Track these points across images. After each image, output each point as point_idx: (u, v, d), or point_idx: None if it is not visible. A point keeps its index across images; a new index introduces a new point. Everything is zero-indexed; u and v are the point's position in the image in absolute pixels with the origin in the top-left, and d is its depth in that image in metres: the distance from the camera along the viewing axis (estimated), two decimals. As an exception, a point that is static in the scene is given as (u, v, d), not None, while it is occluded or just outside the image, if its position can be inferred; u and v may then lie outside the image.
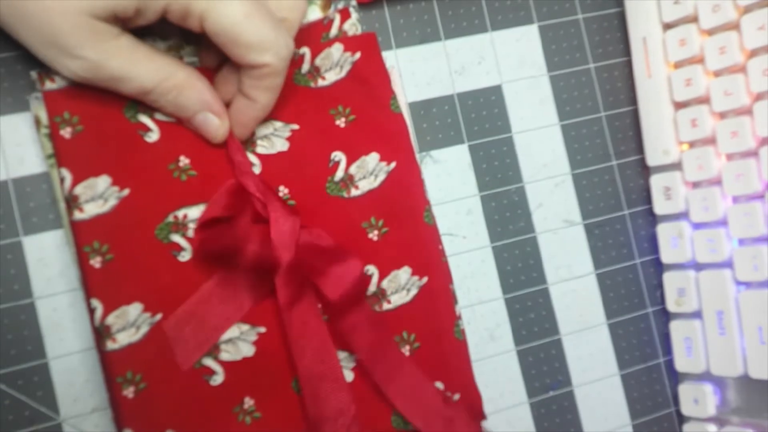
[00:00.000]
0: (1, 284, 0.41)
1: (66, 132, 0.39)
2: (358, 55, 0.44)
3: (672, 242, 0.49)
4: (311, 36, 0.44)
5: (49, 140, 0.40)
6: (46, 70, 0.40)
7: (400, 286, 0.43)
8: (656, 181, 0.50)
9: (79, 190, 0.39)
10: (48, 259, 0.42)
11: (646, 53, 0.50)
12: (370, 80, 0.45)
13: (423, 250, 0.44)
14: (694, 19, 0.47)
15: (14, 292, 0.41)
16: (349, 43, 0.44)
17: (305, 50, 0.44)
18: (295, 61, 0.44)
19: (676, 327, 0.49)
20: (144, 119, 0.40)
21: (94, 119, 0.40)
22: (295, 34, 0.41)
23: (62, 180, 0.39)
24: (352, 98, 0.44)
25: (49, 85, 0.39)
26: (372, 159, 0.44)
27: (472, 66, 0.49)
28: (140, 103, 0.40)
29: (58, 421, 0.41)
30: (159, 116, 0.41)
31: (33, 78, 0.40)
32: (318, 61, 0.44)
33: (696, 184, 0.48)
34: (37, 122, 0.40)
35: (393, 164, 0.44)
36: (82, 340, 0.42)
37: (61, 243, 0.42)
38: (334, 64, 0.44)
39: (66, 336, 0.41)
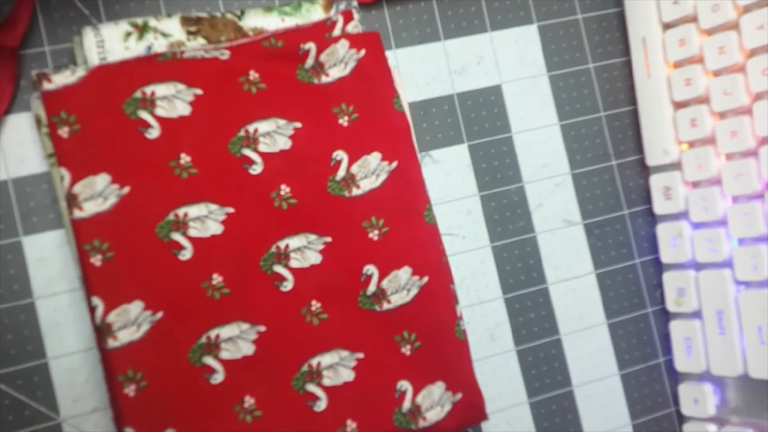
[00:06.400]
0: (1, 284, 0.41)
1: (64, 131, 0.39)
2: (362, 52, 0.44)
3: (672, 242, 0.49)
4: (315, 33, 0.44)
5: (49, 139, 0.40)
6: (45, 71, 0.40)
7: (400, 286, 0.43)
8: (656, 181, 0.50)
9: (77, 188, 0.39)
10: (48, 259, 0.42)
11: (645, 53, 0.50)
12: (374, 78, 0.45)
13: (423, 249, 0.44)
14: (693, 18, 0.48)
15: (14, 292, 0.41)
16: (355, 40, 0.44)
17: (311, 45, 0.44)
18: (300, 57, 0.44)
19: (676, 327, 0.49)
20: (144, 115, 0.41)
21: (93, 117, 0.40)
22: (299, 33, 0.41)
23: (61, 179, 0.39)
24: (355, 96, 0.44)
25: (47, 86, 0.40)
26: (374, 158, 0.44)
27: (472, 66, 0.49)
28: (141, 99, 0.40)
29: (58, 421, 0.41)
30: (160, 112, 0.41)
31: (33, 78, 0.40)
32: (323, 57, 0.44)
33: (696, 184, 0.48)
34: (38, 122, 0.41)
35: (395, 163, 0.44)
36: (82, 340, 0.42)
37: (61, 243, 0.42)
38: (338, 61, 0.44)
39: (66, 336, 0.41)
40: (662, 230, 0.50)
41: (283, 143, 0.43)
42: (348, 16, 0.45)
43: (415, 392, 0.43)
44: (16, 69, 0.42)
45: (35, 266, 0.41)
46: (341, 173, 0.44)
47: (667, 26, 0.49)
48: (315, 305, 0.43)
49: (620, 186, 0.51)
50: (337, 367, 0.42)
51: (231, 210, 0.42)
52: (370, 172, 0.44)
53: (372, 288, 0.43)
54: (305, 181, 0.43)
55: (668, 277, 0.49)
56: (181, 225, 0.41)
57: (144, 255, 0.40)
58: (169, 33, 0.42)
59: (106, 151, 0.40)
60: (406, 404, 0.43)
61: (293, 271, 0.42)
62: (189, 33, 0.43)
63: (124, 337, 0.39)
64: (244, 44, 0.43)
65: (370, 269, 0.43)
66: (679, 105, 0.49)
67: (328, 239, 0.43)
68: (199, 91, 0.41)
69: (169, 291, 0.40)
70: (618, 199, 0.51)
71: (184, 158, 0.41)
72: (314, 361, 0.42)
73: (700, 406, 0.48)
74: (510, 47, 0.50)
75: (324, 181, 0.43)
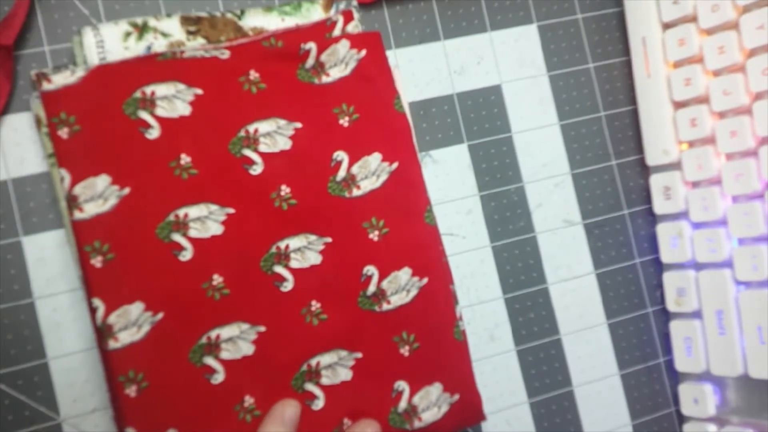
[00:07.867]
0: (1, 284, 0.41)
1: (64, 132, 0.39)
2: (363, 52, 0.44)
3: (672, 242, 0.49)
4: (316, 33, 0.44)
5: (49, 139, 0.40)
6: (44, 71, 0.40)
7: (400, 287, 0.43)
8: (656, 181, 0.50)
9: (78, 190, 0.39)
10: (48, 259, 0.42)
11: (645, 53, 0.50)
12: (374, 79, 0.45)
13: (424, 250, 0.44)
14: (693, 18, 0.48)
15: (14, 292, 0.41)
16: (356, 40, 0.44)
17: (311, 45, 0.44)
18: (300, 56, 0.44)
19: (676, 327, 0.49)
20: (144, 115, 0.40)
21: (92, 118, 0.40)
22: (299, 32, 0.41)
23: (62, 180, 0.39)
24: (356, 96, 0.44)
25: (47, 86, 0.39)
26: (374, 159, 0.44)
27: (472, 66, 0.49)
28: (141, 99, 0.40)
29: (58, 421, 0.41)
30: (160, 112, 0.41)
31: (32, 78, 0.40)
32: (324, 57, 0.44)
33: (696, 184, 0.48)
34: (38, 121, 0.41)
35: (395, 164, 0.44)
36: (82, 340, 0.42)
37: (61, 243, 0.42)
38: (339, 61, 0.44)
39: (66, 336, 0.41)
40: (662, 230, 0.50)
41: (284, 143, 0.43)
42: (348, 16, 0.45)
43: (412, 393, 0.43)
44: (12, 67, 0.42)
45: (35, 266, 0.41)
46: (342, 174, 0.44)
47: (666, 26, 0.49)
48: (315, 305, 0.43)
49: (620, 186, 0.51)
50: (335, 366, 0.42)
51: (231, 210, 0.42)
52: (371, 172, 0.44)
53: (372, 288, 0.43)
54: (305, 181, 0.43)
55: (668, 277, 0.49)
56: (182, 226, 0.41)
57: (144, 256, 0.40)
58: (168, 33, 0.42)
59: (106, 151, 0.40)
60: (402, 404, 0.43)
61: (293, 271, 0.42)
62: (189, 33, 0.43)
63: (125, 338, 0.39)
64: (244, 44, 0.43)
65: (370, 270, 0.43)
66: (679, 105, 0.49)
67: (329, 240, 0.43)
68: (200, 91, 0.41)
69: (169, 292, 0.40)
70: (618, 199, 0.51)
71: (185, 159, 0.41)
72: (313, 361, 0.42)
73: (700, 406, 0.48)
74: (510, 47, 0.50)
75: (324, 181, 0.43)
